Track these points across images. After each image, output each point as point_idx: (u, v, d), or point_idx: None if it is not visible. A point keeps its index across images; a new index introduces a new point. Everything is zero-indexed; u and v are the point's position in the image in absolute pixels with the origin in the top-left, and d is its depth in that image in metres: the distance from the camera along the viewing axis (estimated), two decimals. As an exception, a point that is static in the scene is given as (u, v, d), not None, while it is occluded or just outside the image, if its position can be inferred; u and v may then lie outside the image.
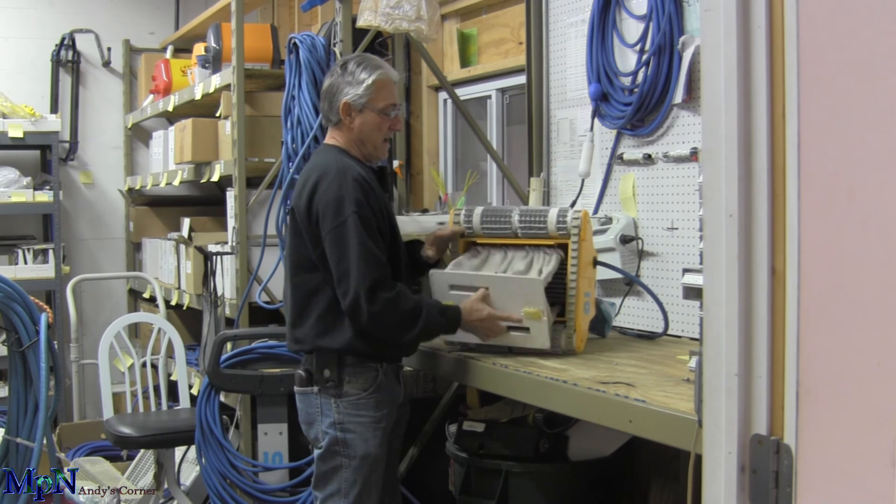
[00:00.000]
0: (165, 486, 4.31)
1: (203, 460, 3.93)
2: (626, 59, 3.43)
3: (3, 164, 6.14)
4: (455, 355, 3.01)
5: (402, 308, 2.77)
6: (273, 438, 3.98)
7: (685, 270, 2.22)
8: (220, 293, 4.61)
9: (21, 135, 5.95)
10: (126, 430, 4.15)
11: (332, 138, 2.99)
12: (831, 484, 1.37)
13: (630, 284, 3.42)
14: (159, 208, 6.40)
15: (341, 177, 2.81)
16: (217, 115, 4.78)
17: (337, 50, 3.87)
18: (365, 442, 2.85)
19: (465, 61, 4.74)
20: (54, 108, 6.52)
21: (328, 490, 2.89)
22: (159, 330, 4.95)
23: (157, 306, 5.61)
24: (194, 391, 4.84)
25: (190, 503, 4.32)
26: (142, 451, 4.89)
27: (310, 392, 2.89)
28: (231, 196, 4.51)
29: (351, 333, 2.82)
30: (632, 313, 3.45)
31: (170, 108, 5.53)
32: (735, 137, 1.45)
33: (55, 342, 3.58)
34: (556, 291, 2.98)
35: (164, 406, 4.77)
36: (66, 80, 6.66)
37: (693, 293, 2.15)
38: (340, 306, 2.80)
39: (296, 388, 2.94)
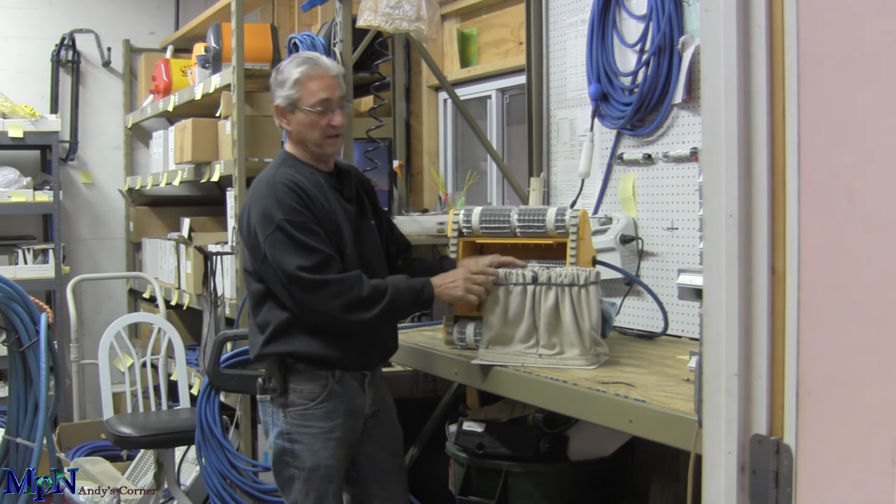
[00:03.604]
0: (165, 486, 4.32)
1: (203, 460, 3.93)
2: (626, 59, 3.44)
3: (3, 164, 6.14)
4: (455, 355, 3.01)
5: (345, 292, 2.64)
6: (273, 438, 3.98)
7: (680, 271, 2.23)
8: (220, 293, 4.61)
9: (21, 135, 5.96)
10: (126, 430, 4.15)
11: (286, 143, 2.92)
12: (831, 484, 1.37)
13: (630, 284, 3.42)
14: (159, 208, 6.40)
15: (270, 188, 2.72)
16: (217, 115, 4.79)
17: (337, 50, 3.87)
18: (314, 453, 2.78)
19: (465, 61, 4.74)
20: (54, 108, 6.52)
21: (290, 500, 2.85)
22: (159, 330, 4.95)
23: (157, 306, 5.62)
24: (194, 391, 4.85)
25: (190, 503, 4.32)
26: (142, 451, 4.89)
27: (265, 400, 2.85)
28: (231, 196, 4.51)
29: (298, 341, 2.75)
30: (632, 313, 3.45)
31: (170, 108, 5.53)
32: (735, 137, 1.45)
33: (55, 342, 3.58)
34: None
35: (164, 406, 4.77)
36: (66, 80, 6.66)
37: (688, 293, 2.15)
38: (283, 316, 2.75)
39: (257, 396, 2.89)
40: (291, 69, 2.80)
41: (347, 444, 2.85)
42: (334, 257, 2.71)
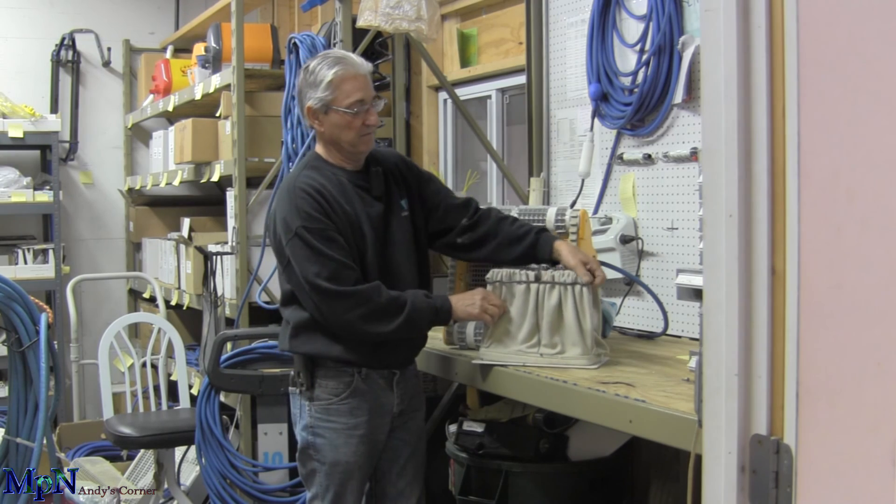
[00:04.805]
0: (165, 486, 4.32)
1: (203, 460, 3.93)
2: (626, 59, 3.44)
3: (3, 164, 6.14)
4: (455, 355, 3.01)
5: (363, 303, 2.66)
6: (273, 438, 3.98)
7: (679, 271, 2.23)
8: (220, 293, 4.61)
9: (21, 135, 5.96)
10: (126, 430, 4.15)
11: (316, 144, 2.91)
12: (831, 484, 1.37)
13: (630, 284, 3.42)
14: (159, 208, 6.40)
15: (290, 193, 2.73)
16: (217, 115, 4.78)
17: (337, 50, 3.87)
18: (335, 449, 2.80)
19: (465, 61, 4.74)
20: (54, 108, 6.52)
21: (311, 492, 2.88)
22: (159, 330, 4.95)
23: (157, 306, 5.61)
24: (194, 391, 4.84)
25: (190, 503, 4.32)
26: (142, 451, 4.89)
27: (294, 392, 2.88)
28: (231, 196, 4.51)
29: (320, 341, 2.77)
30: (632, 313, 3.45)
31: (170, 108, 5.53)
32: (735, 137, 1.45)
33: (55, 342, 3.58)
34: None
35: (164, 406, 4.77)
36: (66, 80, 6.66)
37: (687, 293, 2.15)
38: (306, 317, 2.77)
39: (289, 388, 2.93)
40: (325, 71, 2.76)
41: (371, 442, 2.86)
42: (351, 266, 2.71)
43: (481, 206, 3.04)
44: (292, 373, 2.89)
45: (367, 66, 2.85)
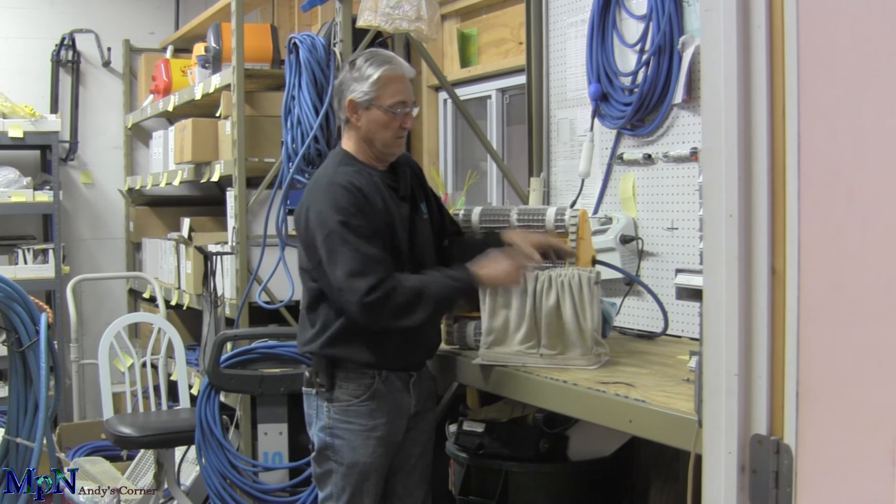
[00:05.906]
0: (165, 486, 4.32)
1: (203, 460, 3.93)
2: (626, 59, 3.44)
3: (3, 164, 6.14)
4: (456, 356, 3.01)
5: (394, 299, 2.65)
6: (273, 438, 3.98)
7: (678, 271, 2.22)
8: (220, 293, 4.61)
9: (21, 135, 5.95)
10: (126, 430, 4.15)
11: (343, 141, 2.92)
12: (831, 484, 1.37)
13: (630, 284, 3.42)
14: (159, 208, 6.40)
15: (329, 188, 2.73)
16: (217, 115, 4.78)
17: (337, 50, 3.87)
18: (353, 450, 2.81)
19: (465, 61, 4.74)
20: (54, 108, 6.52)
21: (325, 492, 2.89)
22: (159, 330, 4.95)
23: (157, 306, 5.61)
24: (194, 391, 4.84)
25: (190, 503, 4.32)
26: (142, 451, 4.88)
27: (310, 393, 2.88)
28: (231, 196, 4.51)
29: (342, 348, 2.78)
30: (632, 313, 3.45)
31: (170, 108, 5.53)
32: (735, 137, 1.45)
33: (55, 342, 3.58)
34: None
35: (164, 406, 4.77)
36: (66, 80, 6.66)
37: (685, 293, 2.15)
38: (337, 322, 2.76)
39: (303, 388, 2.93)
40: (374, 68, 2.80)
41: (389, 444, 2.87)
42: (388, 261, 2.70)
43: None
44: (307, 373, 2.89)
45: (412, 71, 2.90)
